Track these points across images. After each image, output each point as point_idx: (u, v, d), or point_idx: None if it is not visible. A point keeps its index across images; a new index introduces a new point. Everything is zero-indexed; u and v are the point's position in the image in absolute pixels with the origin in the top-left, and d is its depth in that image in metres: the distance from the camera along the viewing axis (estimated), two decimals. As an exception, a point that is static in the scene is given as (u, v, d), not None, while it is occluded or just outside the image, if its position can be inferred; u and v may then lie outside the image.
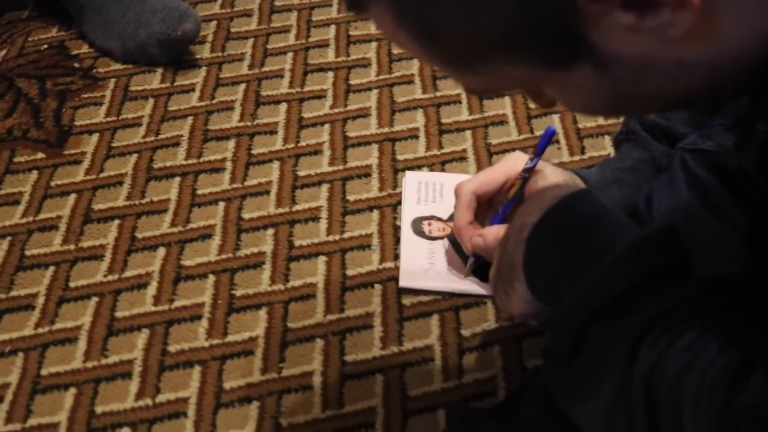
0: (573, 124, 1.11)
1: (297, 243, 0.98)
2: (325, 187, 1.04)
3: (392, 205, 1.01)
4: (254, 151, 1.09)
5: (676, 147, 0.74)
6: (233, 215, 1.01)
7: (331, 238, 0.98)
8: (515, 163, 0.80)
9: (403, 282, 0.91)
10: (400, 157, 1.07)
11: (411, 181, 1.01)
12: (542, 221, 0.59)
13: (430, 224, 0.95)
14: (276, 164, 1.07)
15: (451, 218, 0.95)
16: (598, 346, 0.51)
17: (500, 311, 0.89)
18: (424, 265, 0.91)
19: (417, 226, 0.95)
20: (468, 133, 1.10)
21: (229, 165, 1.07)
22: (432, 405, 0.83)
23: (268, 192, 1.03)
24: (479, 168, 1.06)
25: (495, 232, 0.76)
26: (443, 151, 1.08)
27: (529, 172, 0.78)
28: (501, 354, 0.86)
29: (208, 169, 1.07)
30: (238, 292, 0.93)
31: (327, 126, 1.12)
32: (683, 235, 0.53)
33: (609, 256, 0.52)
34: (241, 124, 1.13)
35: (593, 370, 0.51)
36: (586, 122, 1.11)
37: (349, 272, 0.94)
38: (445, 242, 0.94)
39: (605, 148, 1.08)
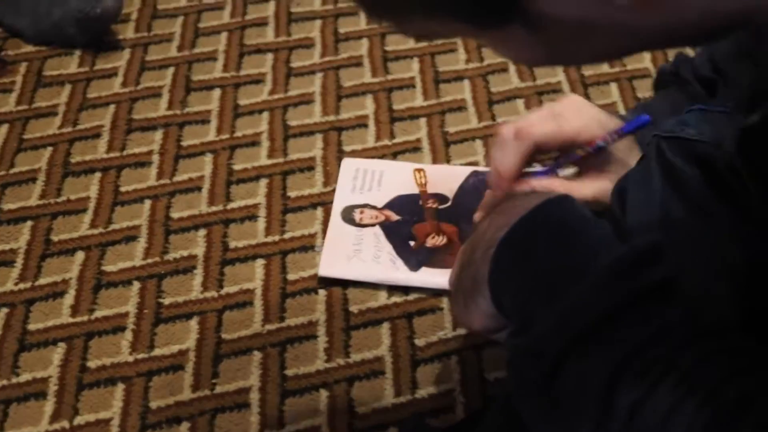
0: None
1: (232, 245, 0.97)
2: (263, 182, 1.04)
3: (338, 202, 1.01)
4: (184, 143, 1.08)
5: (651, 134, 0.74)
6: (160, 214, 1.00)
7: (270, 238, 0.98)
8: (586, 122, 0.79)
9: (323, 270, 0.93)
10: (347, 148, 1.07)
11: (348, 168, 1.03)
12: (512, 234, 0.59)
13: (362, 212, 0.98)
14: (209, 157, 1.06)
15: (387, 206, 0.98)
16: (575, 377, 0.51)
17: (457, 322, 0.89)
18: (348, 252, 0.94)
19: (347, 214, 0.98)
20: (422, 120, 1.11)
21: (156, 158, 1.06)
22: (383, 422, 0.83)
23: (199, 188, 1.03)
24: (435, 159, 1.06)
25: (545, 185, 0.77)
26: (395, 140, 1.08)
27: (614, 139, 0.77)
28: (459, 365, 0.87)
29: (133, 163, 1.06)
30: (166, 300, 0.92)
31: (265, 114, 1.11)
32: (660, 238, 0.53)
33: (587, 278, 0.52)
34: (170, 112, 1.12)
35: (570, 404, 0.51)
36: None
37: (290, 276, 0.94)
38: (377, 230, 0.96)
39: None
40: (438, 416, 0.83)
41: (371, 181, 1.01)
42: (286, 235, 0.98)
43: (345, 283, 0.93)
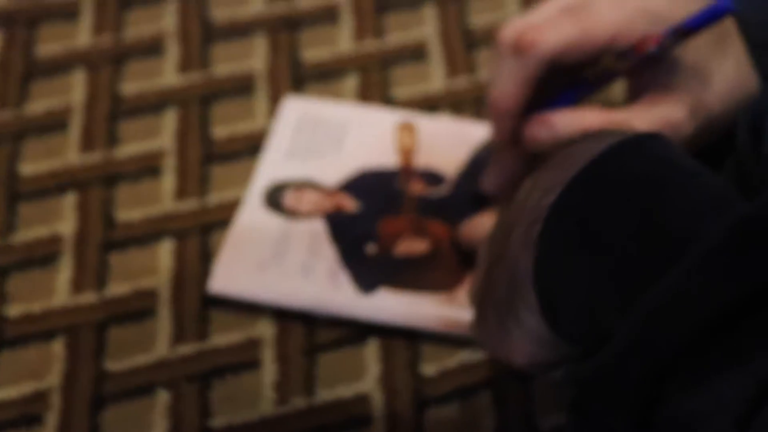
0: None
1: (121, 216, 0.96)
2: (171, 112, 1.02)
3: (292, 143, 1.00)
4: (39, 51, 1.07)
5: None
6: (1, 169, 0.99)
7: (182, 205, 0.96)
8: (628, 17, 0.77)
9: (216, 284, 0.90)
10: (306, 56, 1.06)
11: (290, 115, 1.00)
12: (567, 197, 0.59)
13: (299, 194, 0.95)
14: (80, 73, 1.05)
15: (344, 187, 0.95)
16: (680, 423, 0.51)
17: (488, 355, 0.87)
18: (262, 257, 0.91)
19: (276, 194, 0.95)
20: (429, 8, 1.10)
21: (-6, 77, 1.05)
22: (369, 502, 0.82)
23: (64, 125, 1.01)
24: (450, 72, 1.05)
25: (571, 119, 0.76)
26: (386, 41, 1.07)
27: (674, 41, 0.74)
28: (494, 406, 0.85)
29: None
30: (13, 310, 0.90)
31: (173, 2, 1.10)
32: None
33: (690, 257, 0.52)
34: (9, 1, 1.11)
35: None
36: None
37: None
38: (317, 225, 0.93)
39: None
40: (461, 489, 0.83)
41: (325, 139, 0.98)
42: (210, 199, 0.97)
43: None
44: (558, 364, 0.64)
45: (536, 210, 0.60)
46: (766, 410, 0.48)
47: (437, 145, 0.97)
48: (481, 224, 0.82)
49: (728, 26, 0.77)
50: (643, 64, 0.75)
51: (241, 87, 1.04)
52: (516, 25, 0.78)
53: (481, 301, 0.67)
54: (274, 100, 1.03)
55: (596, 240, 0.58)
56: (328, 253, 0.90)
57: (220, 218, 0.95)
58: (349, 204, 0.94)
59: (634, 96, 0.78)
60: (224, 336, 0.89)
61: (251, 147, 1.00)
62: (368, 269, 0.89)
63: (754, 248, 0.51)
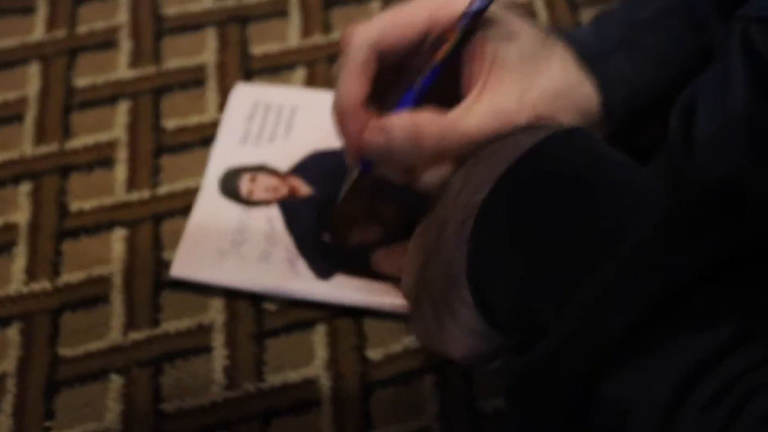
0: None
1: (74, 206, 0.96)
2: (123, 105, 1.02)
3: (243, 135, 1.00)
4: None
5: (733, 18, 0.73)
6: None
7: (135, 195, 0.96)
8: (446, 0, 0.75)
9: (177, 269, 0.90)
10: (256, 51, 1.06)
11: (240, 102, 1.00)
12: (498, 194, 0.59)
13: (254, 179, 0.94)
14: (34, 67, 1.05)
15: (296, 170, 0.95)
16: (611, 410, 0.52)
17: (426, 348, 0.86)
18: (222, 245, 0.91)
19: (231, 181, 0.94)
20: (376, 2, 1.10)
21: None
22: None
23: (20, 117, 1.01)
24: None
25: (406, 123, 0.72)
26: (332, 36, 1.07)
27: (475, 19, 0.72)
28: (437, 390, 0.86)
29: None
30: None
31: None
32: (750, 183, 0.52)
33: (618, 252, 0.52)
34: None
35: None
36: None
37: (167, 255, 0.92)
38: (273, 211, 0.93)
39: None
40: (405, 469, 0.83)
41: (276, 124, 0.98)
42: (161, 190, 0.97)
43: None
44: (495, 355, 0.64)
45: (468, 207, 0.61)
46: (698, 392, 0.49)
47: None
48: (394, 256, 0.81)
49: (553, 40, 0.76)
50: (465, 37, 0.73)
51: (192, 80, 1.04)
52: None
53: (416, 297, 0.67)
54: (224, 92, 1.02)
55: (527, 236, 0.58)
56: (285, 241, 0.90)
57: (171, 208, 0.95)
58: (302, 188, 0.94)
59: (469, 88, 0.74)
60: (175, 322, 0.89)
61: (202, 138, 0.99)
62: (323, 257, 0.89)
63: (677, 245, 0.51)
